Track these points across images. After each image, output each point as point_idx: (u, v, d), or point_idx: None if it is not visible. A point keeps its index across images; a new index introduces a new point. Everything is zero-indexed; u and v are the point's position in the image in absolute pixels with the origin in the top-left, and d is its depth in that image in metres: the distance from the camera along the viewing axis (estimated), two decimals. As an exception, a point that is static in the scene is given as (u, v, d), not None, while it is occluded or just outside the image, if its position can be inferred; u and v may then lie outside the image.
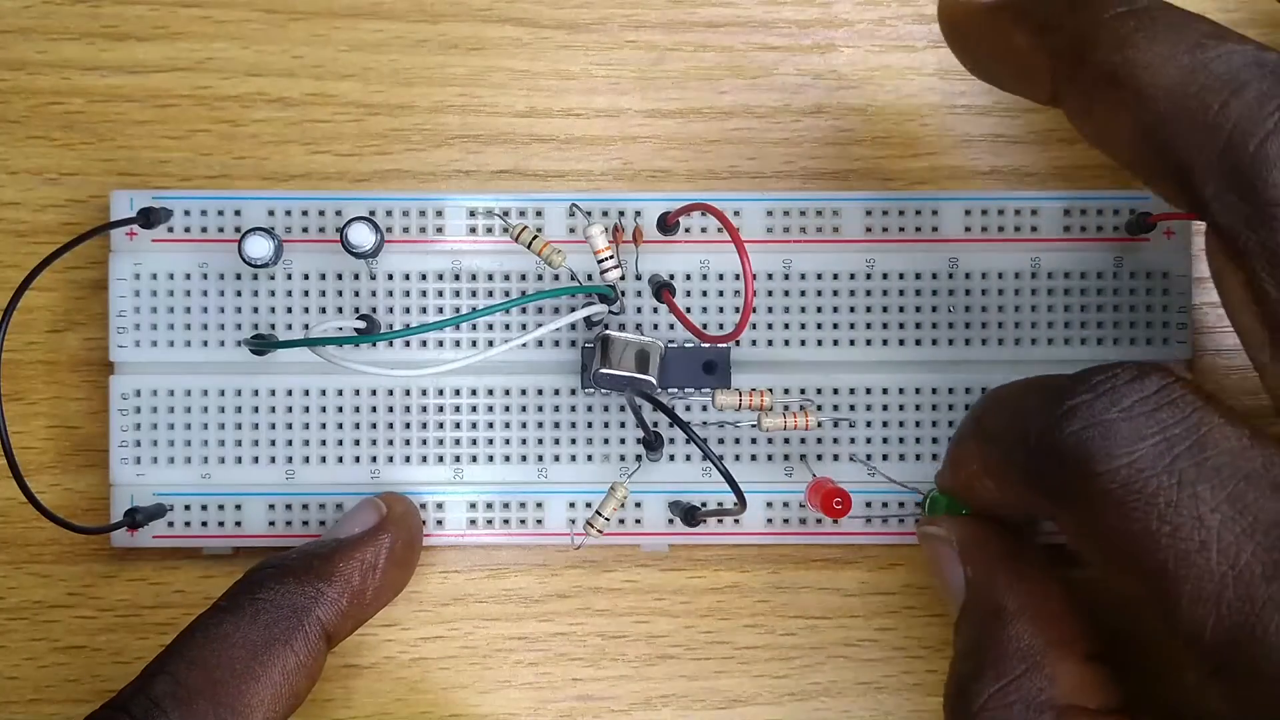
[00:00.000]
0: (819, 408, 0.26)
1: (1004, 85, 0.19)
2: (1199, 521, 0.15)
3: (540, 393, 0.26)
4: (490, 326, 0.26)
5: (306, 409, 0.26)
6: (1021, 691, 0.19)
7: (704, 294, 0.26)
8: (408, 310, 0.26)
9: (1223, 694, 0.16)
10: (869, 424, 0.26)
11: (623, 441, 0.26)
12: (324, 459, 0.26)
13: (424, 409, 0.26)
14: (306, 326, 0.26)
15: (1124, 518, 0.16)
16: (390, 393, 0.26)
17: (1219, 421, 0.16)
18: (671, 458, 0.26)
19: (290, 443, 0.26)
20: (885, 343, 0.26)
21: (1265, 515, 0.15)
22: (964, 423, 0.20)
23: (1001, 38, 0.18)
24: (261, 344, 0.26)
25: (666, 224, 0.26)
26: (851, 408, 0.26)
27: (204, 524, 0.26)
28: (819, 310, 0.26)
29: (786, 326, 0.26)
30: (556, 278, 0.26)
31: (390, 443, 0.26)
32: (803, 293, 0.26)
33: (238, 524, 0.26)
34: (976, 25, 0.19)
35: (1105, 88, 0.16)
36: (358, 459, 0.26)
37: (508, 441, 0.26)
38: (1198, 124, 0.15)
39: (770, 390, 0.25)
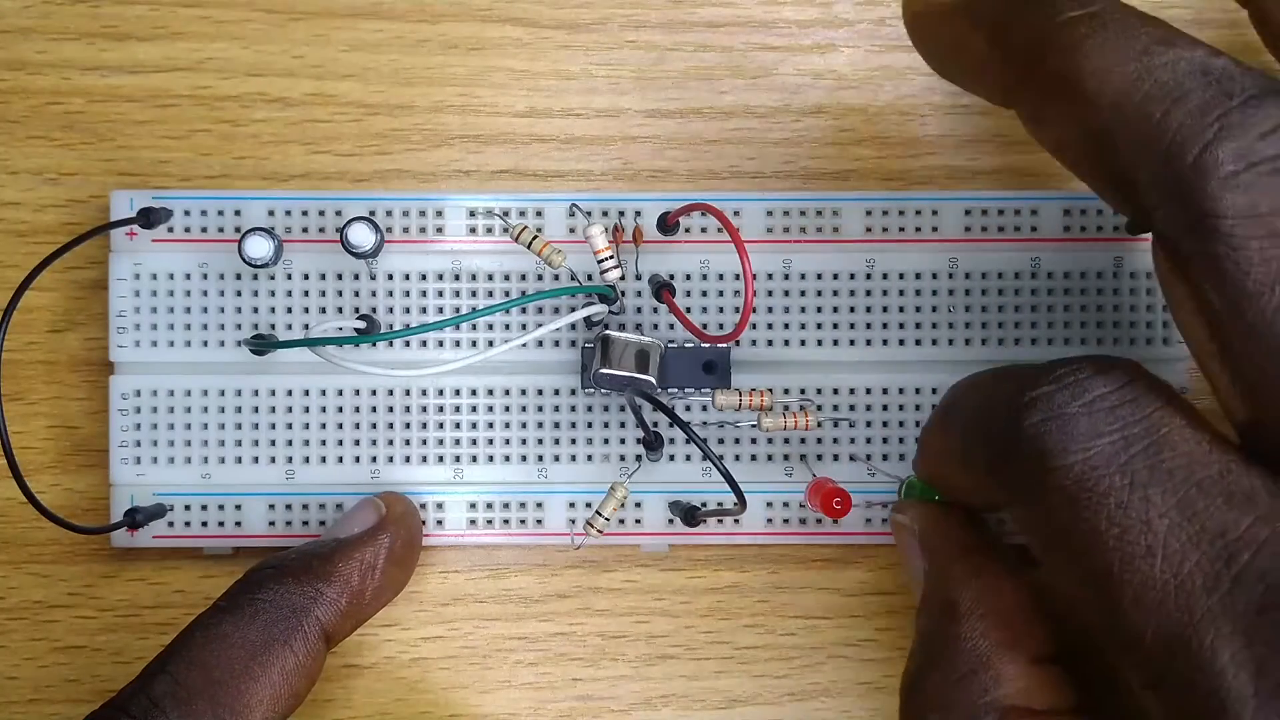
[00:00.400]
0: (819, 408, 0.26)
1: (963, 85, 0.19)
2: (1147, 525, 0.15)
3: (540, 393, 0.26)
4: (490, 326, 0.26)
5: (306, 409, 0.26)
6: (966, 691, 0.18)
7: (704, 294, 0.26)
8: (408, 310, 0.26)
9: (1159, 703, 0.15)
10: (869, 424, 0.26)
11: (623, 441, 0.26)
12: (324, 459, 0.26)
13: (424, 409, 0.26)
14: (306, 326, 0.26)
15: (1074, 515, 0.16)
16: (390, 393, 0.26)
17: (1179, 424, 0.16)
18: (671, 458, 0.26)
19: (290, 443, 0.26)
20: (885, 343, 0.26)
21: (1213, 524, 0.15)
22: (935, 409, 0.20)
23: (960, 38, 0.18)
24: (261, 344, 0.26)
25: (666, 224, 0.26)
26: (851, 408, 0.26)
27: (204, 524, 0.26)
28: (819, 310, 0.26)
29: (786, 326, 0.26)
30: (556, 278, 0.26)
31: (390, 443, 0.26)
32: (803, 293, 0.26)
33: (238, 524, 0.26)
34: (937, 24, 0.19)
35: (1054, 93, 0.16)
36: (358, 459, 0.26)
37: (508, 441, 0.26)
38: (1140, 133, 0.15)
39: (770, 390, 0.25)
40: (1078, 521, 0.16)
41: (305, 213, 0.26)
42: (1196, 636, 0.15)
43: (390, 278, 0.26)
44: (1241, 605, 0.15)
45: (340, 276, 0.26)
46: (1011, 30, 0.17)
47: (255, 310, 0.26)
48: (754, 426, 0.25)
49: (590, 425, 0.26)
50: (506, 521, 0.26)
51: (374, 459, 0.26)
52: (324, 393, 0.26)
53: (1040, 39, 0.16)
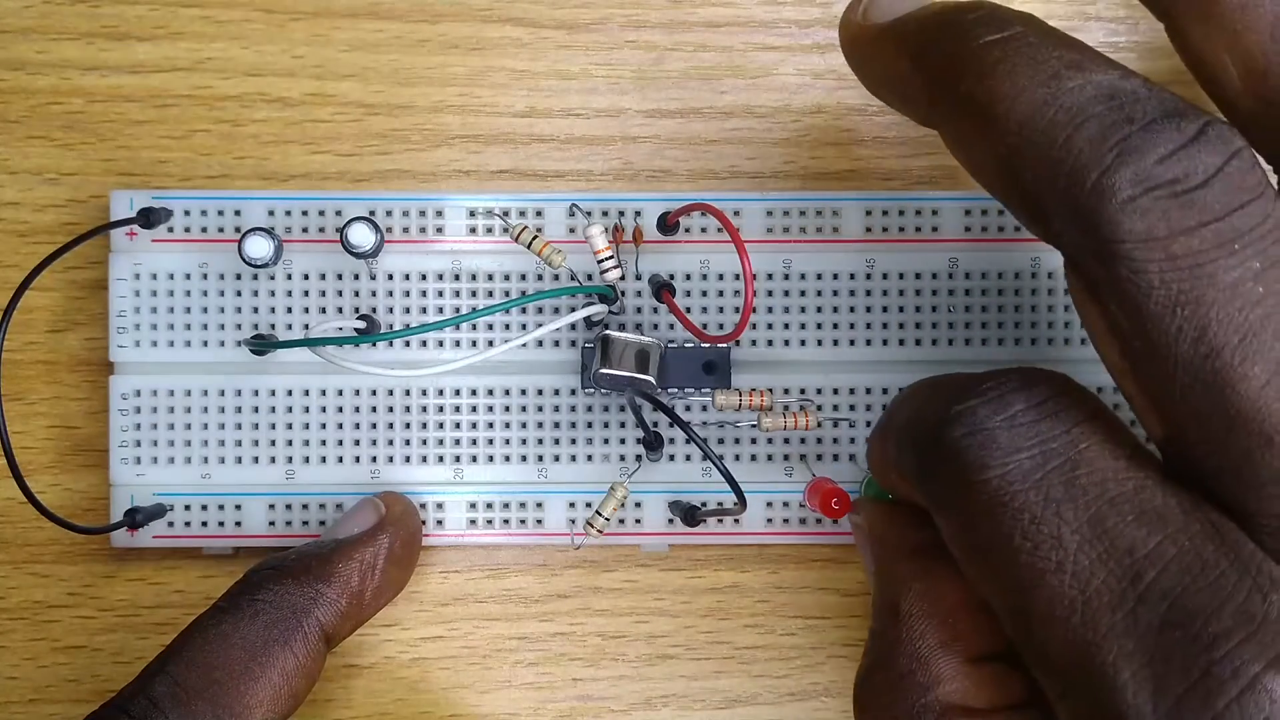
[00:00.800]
0: (819, 408, 0.26)
1: (893, 106, 0.19)
2: (1058, 541, 0.15)
3: (540, 393, 0.26)
4: (490, 326, 0.26)
5: (306, 409, 0.26)
6: (906, 692, 0.19)
7: (704, 294, 0.26)
8: (408, 310, 0.26)
9: (1066, 715, 0.16)
10: (869, 424, 0.26)
11: (623, 441, 0.26)
12: (324, 459, 0.26)
13: (424, 409, 0.26)
14: (306, 326, 0.26)
15: (991, 529, 0.16)
16: (390, 393, 0.26)
17: (1098, 439, 0.16)
18: (671, 458, 0.26)
19: (290, 443, 0.26)
20: (885, 343, 0.26)
21: (1122, 541, 0.15)
22: (880, 419, 0.20)
23: (887, 61, 0.18)
24: (261, 344, 0.26)
25: (666, 224, 0.26)
26: (851, 408, 0.26)
27: (204, 524, 0.26)
28: (819, 310, 0.26)
29: (786, 326, 0.26)
30: (556, 278, 0.26)
31: (390, 443, 0.26)
32: (802, 293, 0.26)
33: (238, 524, 0.26)
34: (867, 48, 0.19)
35: (968, 117, 0.16)
36: (358, 459, 0.26)
37: (508, 441, 0.26)
38: (1045, 158, 0.15)
39: (770, 390, 0.25)
40: (994, 535, 0.16)
41: (305, 213, 0.26)
42: (1100, 653, 0.15)
43: (390, 278, 0.26)
44: (1144, 623, 0.15)
45: (340, 276, 0.26)
46: (931, 54, 0.17)
47: (255, 310, 0.26)
48: (754, 426, 0.25)
49: (590, 425, 0.26)
50: (506, 521, 0.26)
51: (374, 459, 0.26)
52: (324, 393, 0.26)
53: (956, 63, 0.17)
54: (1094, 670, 0.15)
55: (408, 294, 0.26)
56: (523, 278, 0.26)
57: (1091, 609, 0.15)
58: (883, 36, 0.18)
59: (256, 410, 0.26)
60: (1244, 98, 0.17)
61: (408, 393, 0.26)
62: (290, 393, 0.26)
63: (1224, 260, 0.14)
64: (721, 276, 0.26)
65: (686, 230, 0.26)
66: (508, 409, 0.26)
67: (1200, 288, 0.14)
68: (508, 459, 0.26)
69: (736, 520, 0.26)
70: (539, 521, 0.26)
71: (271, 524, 0.26)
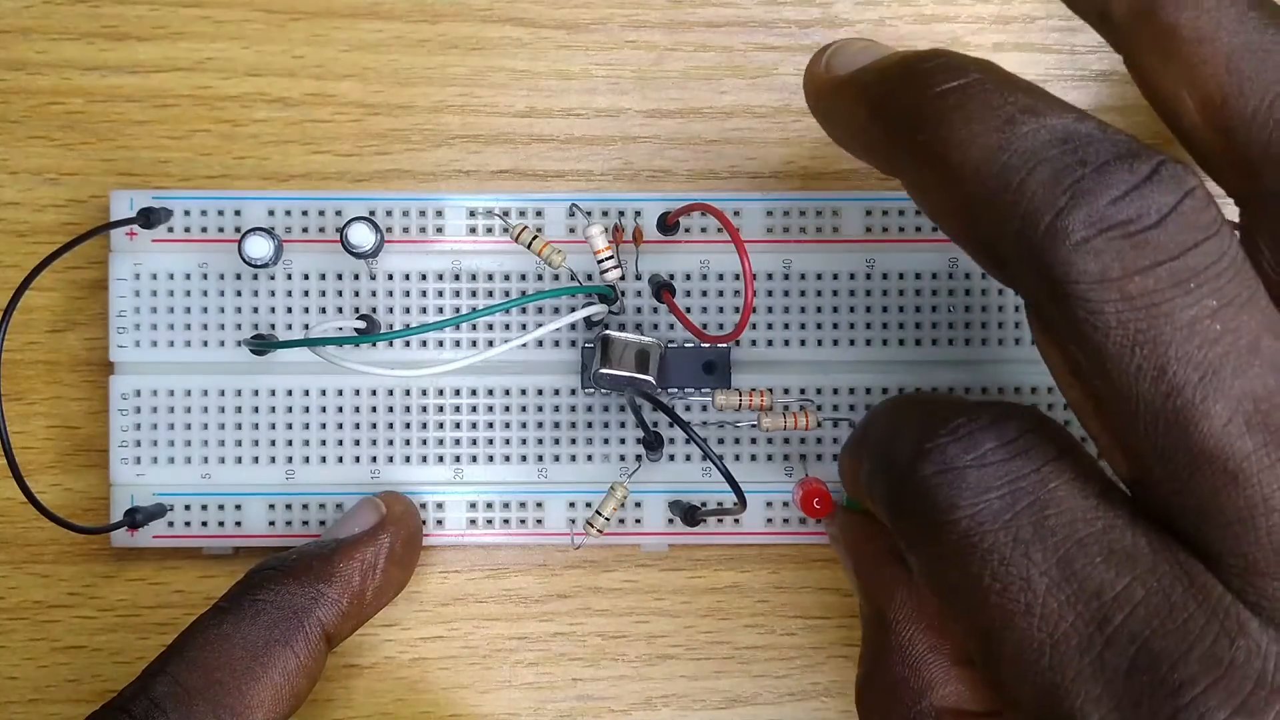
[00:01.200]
0: (819, 408, 0.26)
1: (858, 156, 0.19)
2: (1027, 584, 0.15)
3: (540, 393, 0.26)
4: (490, 326, 0.26)
5: (306, 409, 0.26)
6: (901, 697, 0.19)
7: (704, 294, 0.26)
8: (408, 310, 0.26)
9: None
10: (869, 424, 0.26)
11: (623, 441, 0.26)
12: (324, 459, 0.26)
13: (424, 409, 0.26)
14: (306, 326, 0.26)
15: (961, 570, 0.16)
16: (390, 393, 0.26)
17: (1068, 478, 0.16)
18: (671, 458, 0.26)
19: (290, 443, 0.26)
20: (885, 343, 0.26)
21: (1091, 584, 0.15)
22: (854, 429, 0.20)
23: (849, 111, 0.18)
24: (261, 344, 0.26)
25: (666, 224, 0.26)
26: (851, 408, 0.26)
27: (204, 524, 0.26)
28: (819, 310, 0.26)
29: (786, 326, 0.26)
30: (556, 278, 0.26)
31: (390, 443, 0.26)
32: (802, 293, 0.26)
33: (238, 524, 0.26)
34: (829, 98, 0.19)
35: (925, 166, 0.16)
36: (358, 459, 0.26)
37: (508, 441, 0.26)
38: (999, 203, 0.15)
39: (770, 390, 0.25)
40: (964, 576, 0.16)
41: (305, 213, 0.26)
42: (1068, 698, 0.15)
43: (390, 278, 0.26)
44: (1112, 667, 0.15)
45: (340, 276, 0.26)
46: (889, 103, 0.17)
47: (255, 310, 0.26)
48: (754, 426, 0.25)
49: (590, 425, 0.26)
50: (506, 521, 0.26)
51: (374, 459, 0.26)
52: (324, 393, 0.26)
53: (913, 112, 0.17)
54: (1062, 714, 0.15)
55: (408, 294, 0.26)
56: (523, 278, 0.26)
57: (1060, 652, 0.15)
58: (844, 87, 0.18)
59: (256, 410, 0.26)
60: (1201, 130, 0.17)
61: (408, 393, 0.26)
62: (290, 393, 0.26)
63: (1180, 299, 0.14)
64: (721, 276, 0.26)
65: (686, 230, 0.26)
66: (508, 409, 0.26)
67: (1157, 327, 0.14)
68: (508, 459, 0.26)
69: (736, 520, 0.26)
70: (539, 521, 0.26)
71: (271, 524, 0.26)
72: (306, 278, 0.26)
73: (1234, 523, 0.14)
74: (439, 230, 0.26)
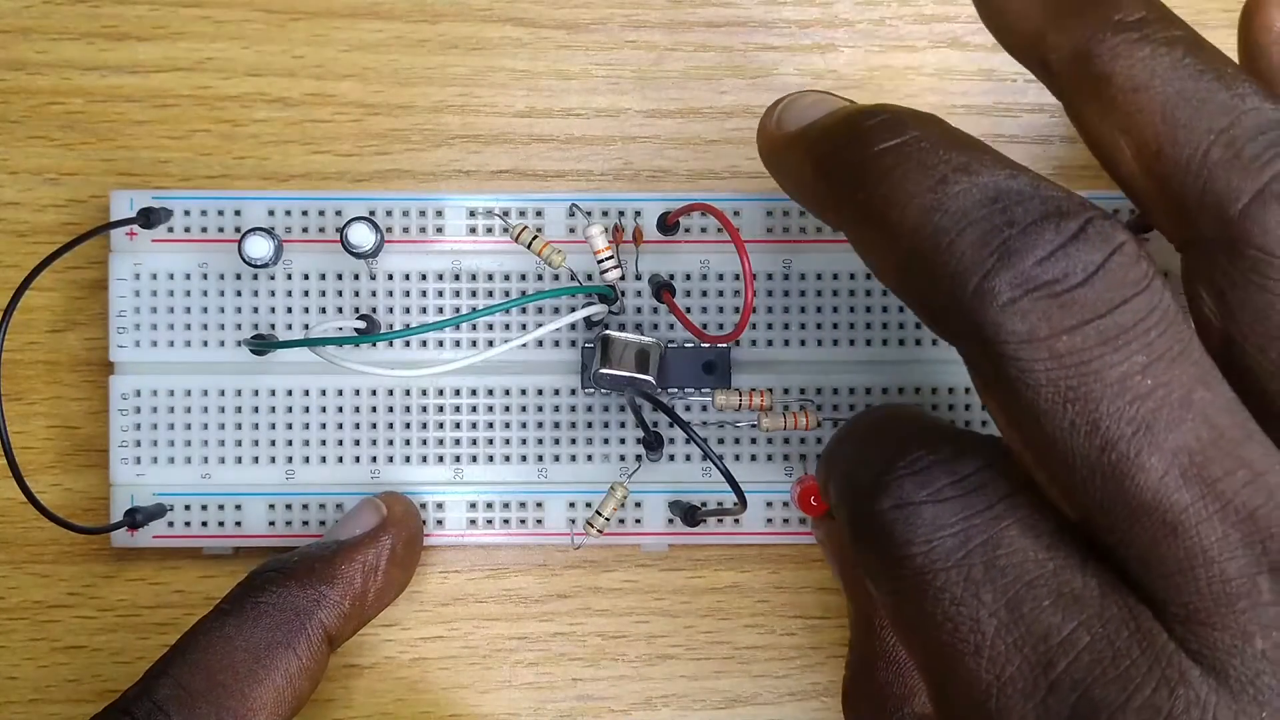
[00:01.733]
0: (819, 408, 0.26)
1: (810, 211, 0.20)
2: (976, 625, 0.15)
3: (540, 393, 0.26)
4: (490, 326, 0.26)
5: (306, 409, 0.26)
6: (884, 701, 0.19)
7: (704, 294, 0.26)
8: (408, 310, 0.26)
9: None
10: (869, 424, 0.26)
11: (623, 441, 0.26)
12: (324, 459, 0.26)
13: (424, 409, 0.26)
14: (306, 326, 0.26)
15: (915, 608, 0.16)
16: (390, 393, 0.26)
17: (1021, 515, 0.16)
18: (671, 458, 0.26)
19: (290, 443, 0.26)
20: (885, 343, 0.26)
21: (1037, 628, 0.15)
22: (828, 443, 0.20)
23: (798, 167, 0.18)
24: (261, 344, 0.26)
25: (666, 224, 0.26)
26: (851, 408, 0.26)
27: (204, 524, 0.26)
28: (819, 310, 0.26)
29: (786, 326, 0.26)
30: (556, 278, 0.26)
31: (390, 443, 0.26)
32: (802, 293, 0.26)
33: (238, 524, 0.26)
34: (779, 154, 0.19)
35: (865, 224, 0.17)
36: (358, 459, 0.26)
37: (508, 441, 0.26)
38: (932, 264, 0.15)
39: (770, 390, 0.25)
40: (918, 614, 0.16)
41: (305, 213, 0.26)
42: None
43: (390, 278, 0.26)
44: (1054, 714, 0.15)
45: (340, 276, 0.26)
46: (831, 161, 0.17)
47: (255, 310, 0.26)
48: (754, 426, 0.25)
49: (590, 425, 0.26)
50: (506, 521, 0.26)
51: (374, 459, 0.26)
52: (324, 393, 0.26)
53: (855, 169, 0.17)
54: None
55: (408, 294, 0.26)
56: (523, 278, 0.26)
57: (1005, 695, 0.15)
58: (793, 143, 0.18)
59: (256, 410, 0.26)
60: (1139, 178, 0.17)
61: (408, 393, 0.26)
62: (290, 393, 0.26)
63: (1109, 356, 0.14)
64: (721, 276, 0.26)
65: (686, 230, 0.26)
66: (508, 409, 0.26)
67: (1087, 384, 0.14)
68: (508, 459, 0.26)
69: (736, 520, 0.26)
70: (539, 521, 0.26)
71: (271, 524, 0.26)
72: (306, 278, 0.26)
73: (1175, 573, 0.14)
74: (439, 230, 0.26)
